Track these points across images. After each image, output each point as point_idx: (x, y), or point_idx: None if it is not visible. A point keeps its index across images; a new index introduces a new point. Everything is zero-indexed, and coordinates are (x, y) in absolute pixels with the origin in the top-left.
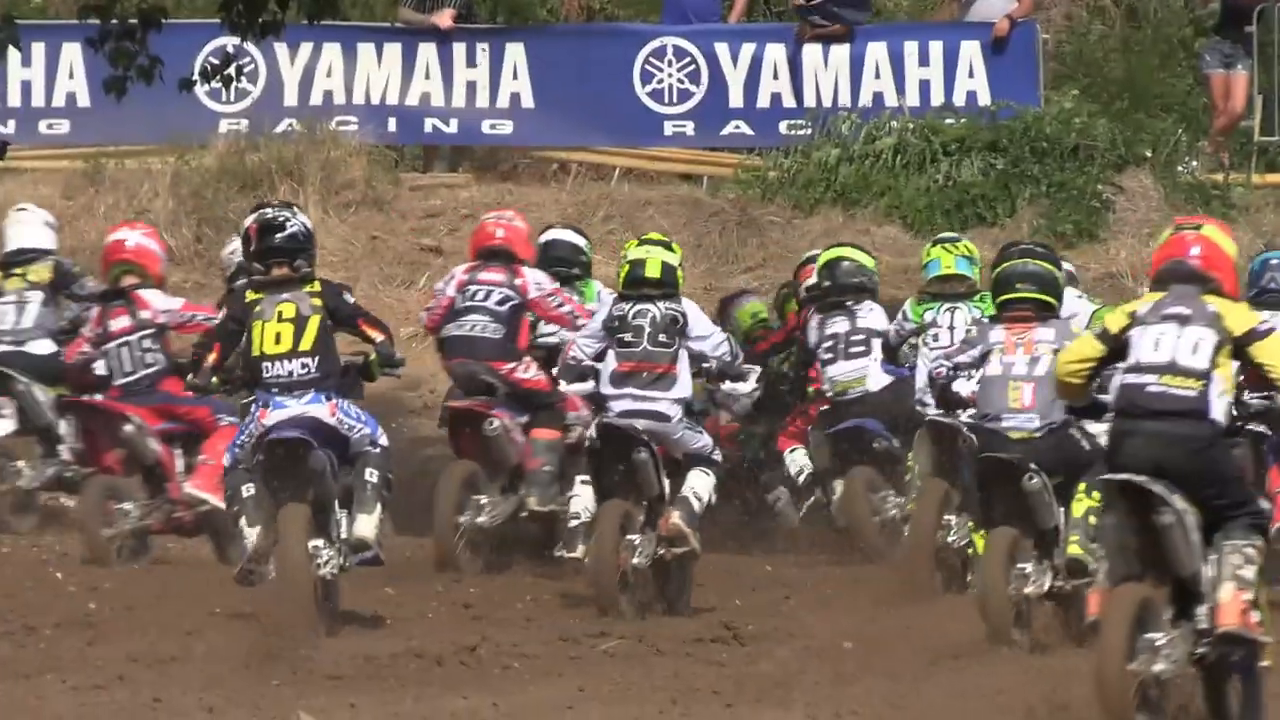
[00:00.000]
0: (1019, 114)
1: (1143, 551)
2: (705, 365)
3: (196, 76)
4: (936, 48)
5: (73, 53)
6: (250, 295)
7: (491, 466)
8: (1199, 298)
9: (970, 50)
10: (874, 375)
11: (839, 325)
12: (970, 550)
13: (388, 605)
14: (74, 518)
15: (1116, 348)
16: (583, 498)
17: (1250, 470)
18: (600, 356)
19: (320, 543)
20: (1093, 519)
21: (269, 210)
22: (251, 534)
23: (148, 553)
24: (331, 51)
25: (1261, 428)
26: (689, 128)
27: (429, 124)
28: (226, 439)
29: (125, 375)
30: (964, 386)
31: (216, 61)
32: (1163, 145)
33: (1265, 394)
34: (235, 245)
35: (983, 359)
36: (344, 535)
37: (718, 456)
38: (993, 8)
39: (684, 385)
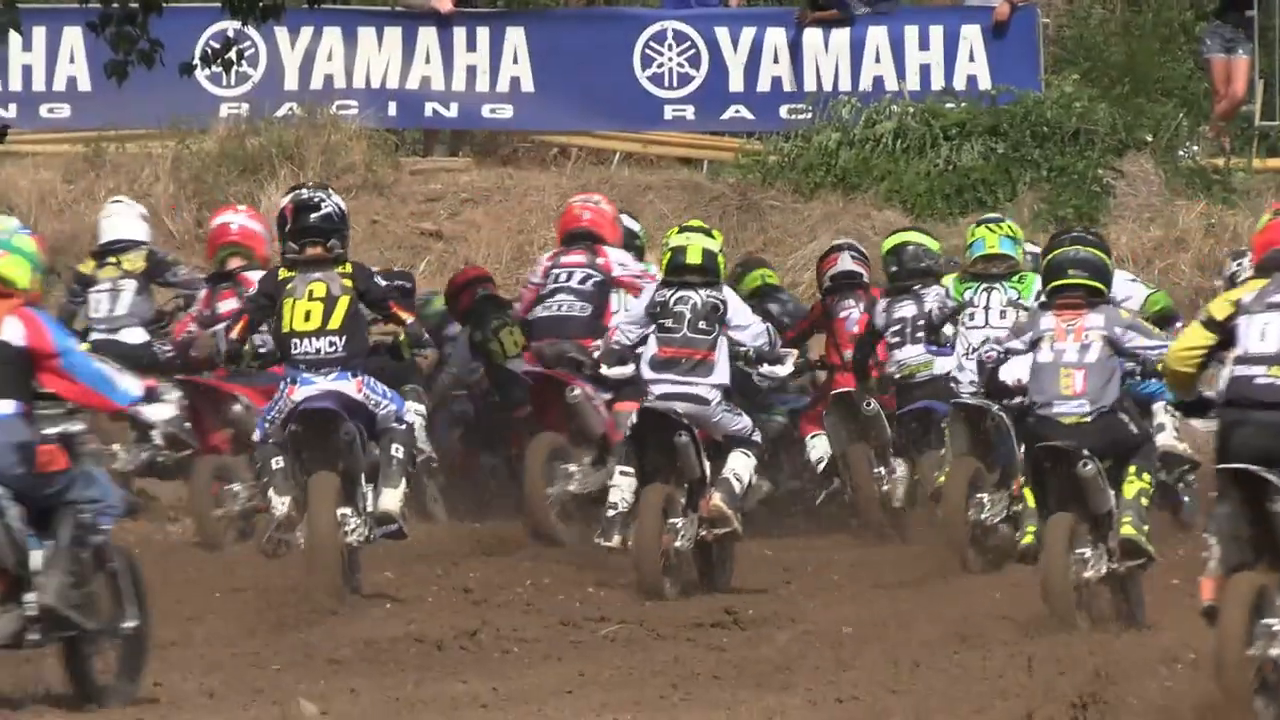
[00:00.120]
0: (1019, 98)
1: (1256, 539)
2: (743, 349)
3: (197, 60)
4: (937, 32)
5: (74, 36)
6: (283, 273)
7: (577, 436)
8: None
9: (971, 34)
10: (941, 358)
11: (906, 309)
12: (1001, 525)
13: (388, 589)
14: (174, 503)
15: (1224, 336)
16: (621, 487)
17: None
18: (643, 342)
19: (348, 511)
20: (1144, 500)
21: (304, 191)
22: (280, 504)
23: (255, 534)
24: (332, 35)
25: None
26: (689, 112)
27: (429, 108)
28: None
29: None
30: (1010, 374)
31: (217, 45)
32: (1163, 130)
33: None
34: None
35: (1033, 346)
36: (369, 509)
37: (758, 438)
38: None
39: (723, 372)
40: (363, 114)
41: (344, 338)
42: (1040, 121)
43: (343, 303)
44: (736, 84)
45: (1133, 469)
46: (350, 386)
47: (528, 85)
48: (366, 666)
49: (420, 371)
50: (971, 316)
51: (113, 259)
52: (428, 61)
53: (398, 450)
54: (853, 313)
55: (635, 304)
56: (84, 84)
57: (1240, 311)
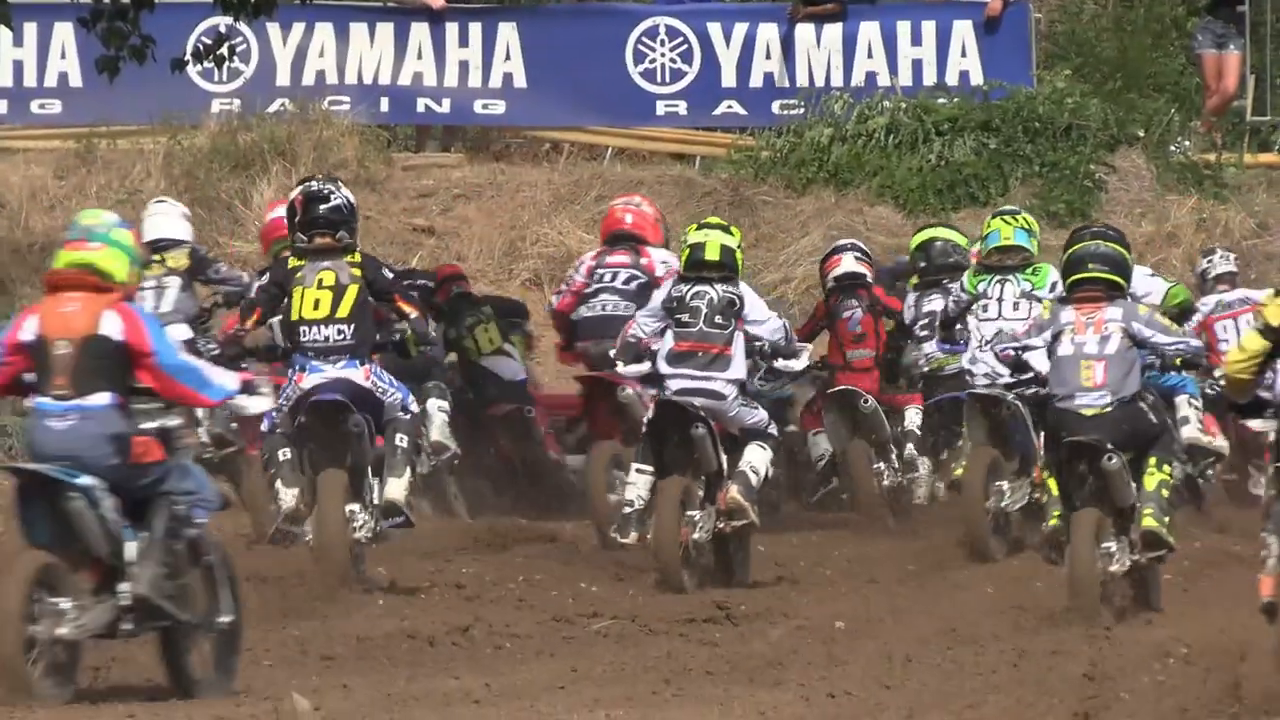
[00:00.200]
0: (1011, 94)
1: None
2: (758, 344)
3: (189, 56)
4: (929, 27)
5: (65, 32)
6: (293, 262)
7: (629, 436)
8: None
9: (963, 30)
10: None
11: (935, 303)
12: (1019, 512)
13: (381, 585)
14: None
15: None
16: (637, 485)
17: None
18: (660, 336)
19: (356, 507)
20: (1164, 491)
21: (314, 183)
22: (288, 496)
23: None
24: (324, 31)
25: None
26: (681, 107)
27: (421, 104)
28: None
29: None
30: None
31: (209, 41)
32: (1155, 125)
33: None
34: None
35: (1054, 340)
36: (375, 500)
37: (774, 431)
38: None
39: (739, 367)
40: (355, 110)
41: (352, 326)
42: (1032, 117)
43: (351, 291)
44: (729, 79)
45: (1153, 460)
46: (358, 374)
47: (520, 81)
48: (359, 662)
49: (442, 368)
50: (985, 308)
51: (157, 257)
52: (420, 57)
53: (402, 440)
54: (855, 313)
55: (653, 299)
56: (75, 80)
57: None
